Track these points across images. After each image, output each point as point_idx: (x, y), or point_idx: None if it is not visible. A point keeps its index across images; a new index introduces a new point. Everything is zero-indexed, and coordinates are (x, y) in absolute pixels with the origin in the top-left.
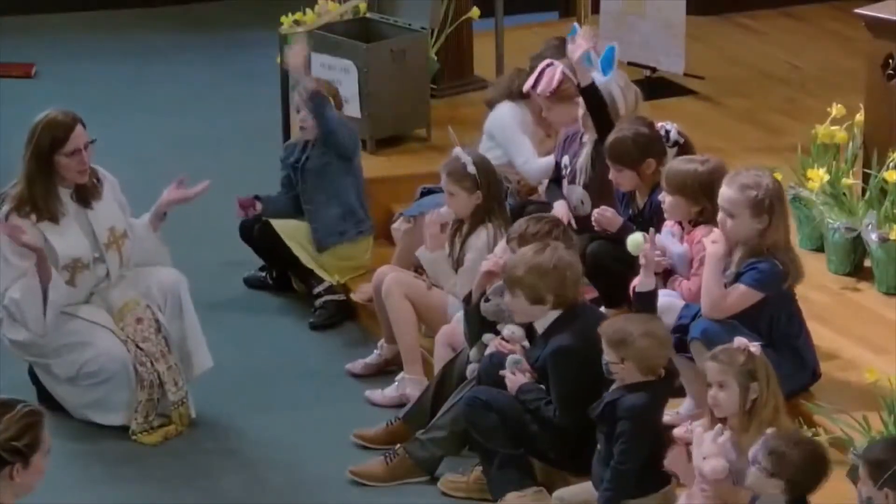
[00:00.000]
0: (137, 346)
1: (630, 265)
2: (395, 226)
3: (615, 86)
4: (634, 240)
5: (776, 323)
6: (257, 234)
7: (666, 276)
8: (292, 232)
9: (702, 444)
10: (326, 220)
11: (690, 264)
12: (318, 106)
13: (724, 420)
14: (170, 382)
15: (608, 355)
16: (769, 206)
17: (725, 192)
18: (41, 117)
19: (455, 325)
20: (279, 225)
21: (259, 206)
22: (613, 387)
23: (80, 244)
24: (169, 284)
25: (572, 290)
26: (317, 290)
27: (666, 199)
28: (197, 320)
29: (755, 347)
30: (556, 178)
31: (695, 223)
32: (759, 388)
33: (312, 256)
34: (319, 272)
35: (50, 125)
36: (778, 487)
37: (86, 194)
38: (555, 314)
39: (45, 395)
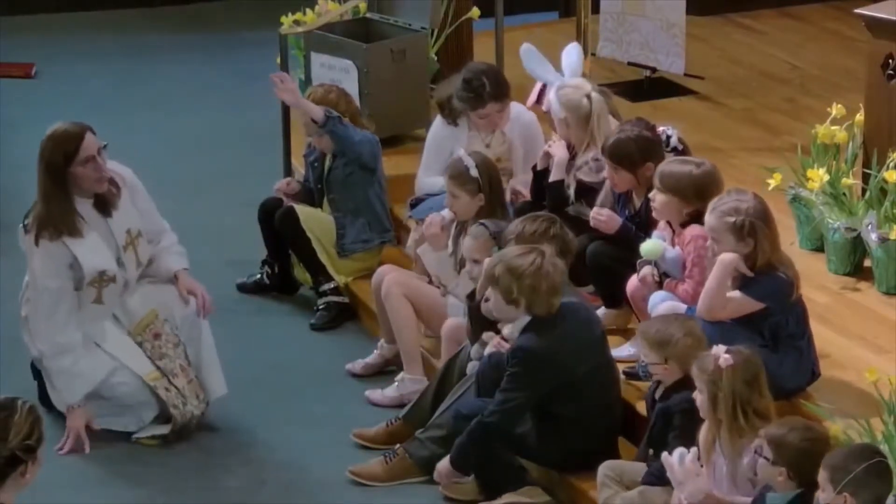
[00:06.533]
0: (159, 369)
1: (630, 265)
2: (408, 245)
3: (553, 91)
4: (651, 247)
5: (783, 326)
6: (279, 218)
7: (661, 278)
8: (315, 225)
9: (674, 473)
10: (353, 229)
11: (684, 266)
12: (334, 131)
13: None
14: (192, 396)
15: (649, 357)
16: (750, 229)
17: (708, 220)
18: (48, 133)
19: (459, 320)
20: (304, 214)
21: (294, 185)
22: (659, 392)
23: (104, 255)
24: (190, 310)
25: (545, 300)
26: (323, 288)
27: (657, 197)
28: (214, 347)
29: (724, 360)
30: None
31: (684, 224)
32: (724, 398)
33: (329, 254)
34: (330, 270)
35: (58, 139)
36: (782, 475)
37: (106, 203)
38: (528, 318)
39: (45, 392)
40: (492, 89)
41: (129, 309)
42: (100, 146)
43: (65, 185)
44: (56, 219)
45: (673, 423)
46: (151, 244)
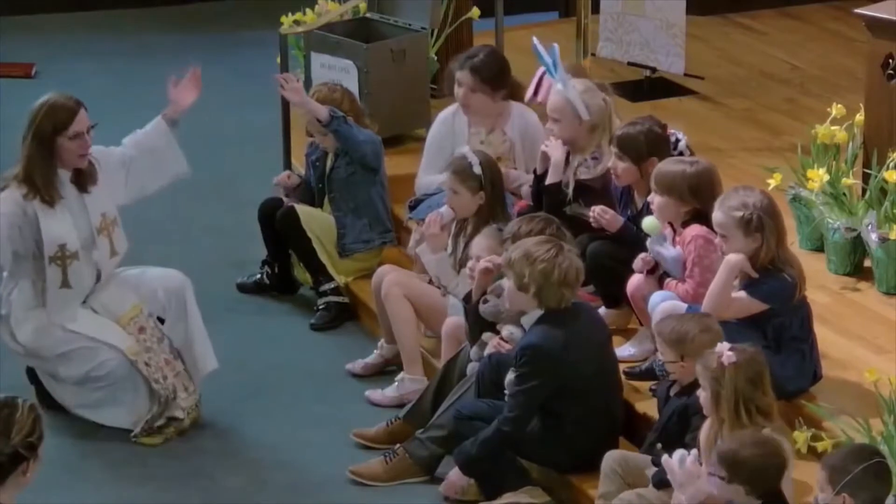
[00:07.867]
0: (146, 363)
1: (629, 265)
2: (409, 246)
3: (572, 91)
4: (652, 222)
5: (787, 327)
6: (279, 218)
7: (661, 278)
8: (316, 225)
9: (674, 475)
10: (354, 229)
11: (684, 266)
12: (338, 130)
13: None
14: (180, 388)
15: (666, 355)
16: (758, 223)
17: (716, 216)
18: (43, 101)
19: (460, 319)
20: (304, 214)
21: (294, 178)
22: (675, 389)
23: (67, 230)
24: (174, 288)
25: (556, 290)
26: (323, 288)
27: (655, 199)
28: (202, 323)
29: (727, 357)
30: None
31: (685, 224)
32: (727, 396)
33: (329, 254)
34: (331, 270)
35: (52, 109)
36: (740, 492)
37: (84, 178)
38: (539, 312)
39: (43, 394)
40: (474, 61)
41: (107, 302)
42: (90, 125)
43: (50, 153)
44: (36, 183)
45: (692, 423)
46: (124, 166)
